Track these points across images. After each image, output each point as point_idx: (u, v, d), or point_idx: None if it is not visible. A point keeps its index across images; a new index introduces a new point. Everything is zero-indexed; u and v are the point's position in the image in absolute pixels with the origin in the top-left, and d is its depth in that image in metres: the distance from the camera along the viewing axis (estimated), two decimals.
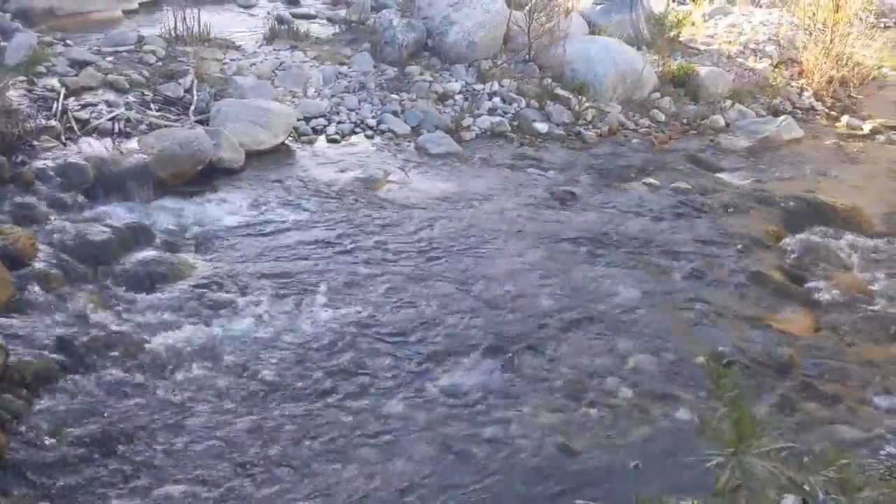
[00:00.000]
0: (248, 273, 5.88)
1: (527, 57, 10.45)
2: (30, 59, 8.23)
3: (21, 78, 7.90)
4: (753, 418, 1.79)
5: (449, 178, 7.84)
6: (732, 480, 1.78)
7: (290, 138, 8.34)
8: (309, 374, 4.86)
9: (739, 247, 6.80)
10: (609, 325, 5.57)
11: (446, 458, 4.28)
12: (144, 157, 7.00)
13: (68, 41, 9.42)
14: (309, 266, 6.06)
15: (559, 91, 9.94)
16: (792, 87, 11.57)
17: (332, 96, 9.28)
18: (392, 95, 9.42)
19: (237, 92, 8.69)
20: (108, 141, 7.26)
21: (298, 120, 8.60)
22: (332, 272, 5.99)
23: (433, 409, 4.65)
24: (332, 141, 8.53)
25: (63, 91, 7.83)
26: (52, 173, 6.53)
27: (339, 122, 8.82)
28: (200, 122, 8.04)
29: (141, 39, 9.85)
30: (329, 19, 12.38)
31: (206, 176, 7.27)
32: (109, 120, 7.53)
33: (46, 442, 4.13)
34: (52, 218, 6.12)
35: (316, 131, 8.66)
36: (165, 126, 7.66)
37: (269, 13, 12.20)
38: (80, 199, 6.49)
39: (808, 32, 12.14)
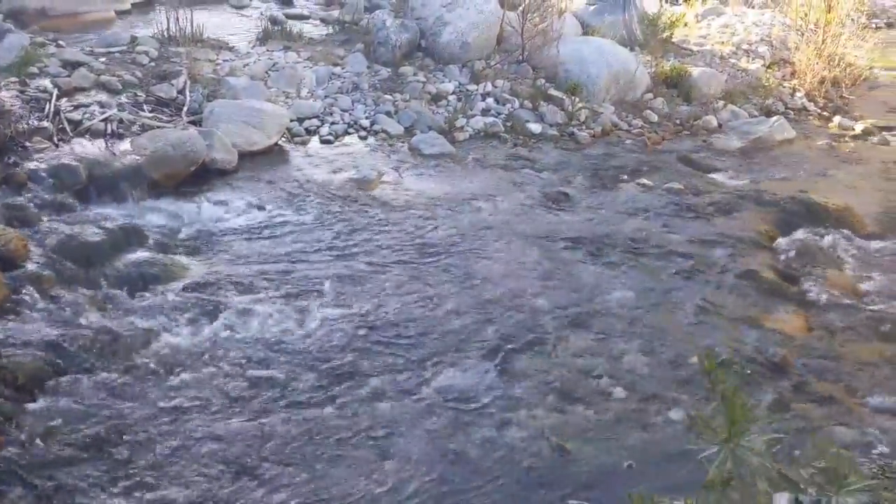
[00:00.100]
0: (241, 274, 5.87)
1: (520, 57, 10.46)
2: (22, 59, 8.21)
3: (13, 79, 7.89)
4: (746, 405, 1.79)
5: (442, 179, 7.85)
6: (724, 469, 1.78)
7: (284, 139, 8.34)
8: (303, 376, 4.86)
9: (732, 247, 6.82)
10: (603, 326, 5.58)
11: (441, 458, 4.28)
12: (137, 158, 6.98)
13: (61, 42, 9.40)
14: (302, 267, 6.05)
15: (552, 92, 9.95)
16: (784, 87, 11.62)
17: (326, 97, 9.28)
18: (385, 96, 9.42)
19: (230, 93, 8.69)
20: (100, 142, 7.24)
21: (292, 121, 8.60)
22: (326, 273, 5.98)
23: (428, 409, 4.65)
24: (325, 142, 8.53)
25: (55, 92, 7.81)
26: (44, 174, 6.51)
27: (333, 123, 8.82)
28: (193, 122, 8.03)
29: (134, 40, 9.84)
30: (322, 20, 12.39)
31: (199, 177, 7.25)
32: (102, 121, 7.51)
33: (39, 444, 4.12)
34: (45, 219, 6.10)
35: (309, 132, 8.66)
36: (158, 127, 7.65)
37: (262, 14, 12.21)
38: (73, 200, 6.46)
39: (800, 33, 12.19)
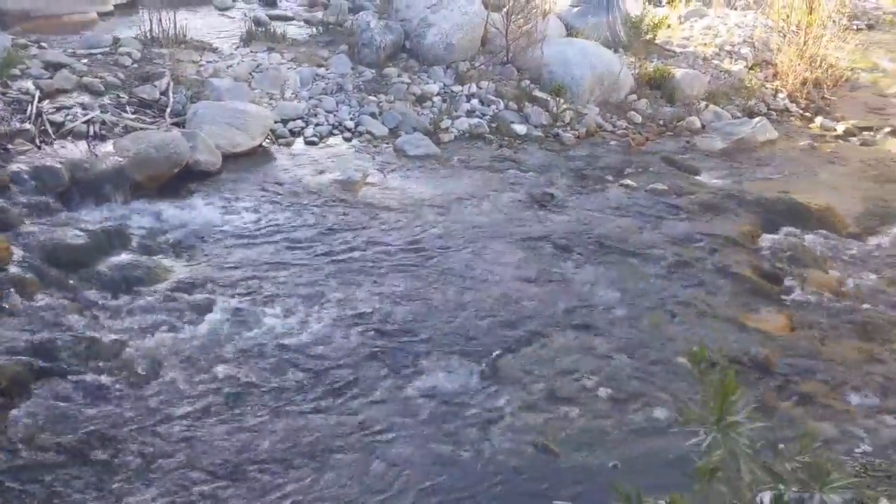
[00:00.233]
0: (225, 277, 5.85)
1: (505, 59, 10.49)
2: (4, 61, 8.13)
3: None
4: (735, 383, 1.81)
5: (427, 180, 7.85)
6: (713, 455, 1.79)
7: (268, 140, 8.31)
8: (287, 378, 4.85)
9: (716, 247, 6.86)
10: (588, 326, 5.60)
11: (426, 460, 4.28)
12: (120, 159, 6.94)
13: (43, 43, 9.33)
14: (287, 269, 6.04)
15: (537, 93, 9.98)
16: (766, 88, 11.70)
17: (310, 98, 9.26)
18: (370, 97, 9.41)
19: (214, 94, 8.65)
20: (83, 144, 7.19)
21: (276, 122, 8.57)
22: (310, 275, 5.97)
23: (412, 411, 4.65)
24: (309, 143, 8.51)
25: (37, 94, 7.75)
26: (26, 177, 6.45)
27: (317, 124, 8.80)
28: (176, 124, 7.99)
29: (116, 42, 9.78)
30: (306, 21, 12.36)
31: (182, 179, 7.22)
32: (84, 123, 7.46)
33: (21, 447, 4.09)
34: (27, 222, 6.06)
35: (293, 133, 8.64)
36: (141, 129, 7.61)
37: (245, 15, 12.16)
38: (56, 202, 6.42)
39: (782, 35, 12.28)
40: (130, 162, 6.95)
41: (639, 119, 10.12)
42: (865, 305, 6.14)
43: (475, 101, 9.66)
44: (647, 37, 12.55)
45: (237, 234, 6.50)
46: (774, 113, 11.03)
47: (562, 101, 9.84)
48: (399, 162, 8.23)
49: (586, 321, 5.66)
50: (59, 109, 7.68)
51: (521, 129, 9.32)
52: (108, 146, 7.17)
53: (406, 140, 8.63)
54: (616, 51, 11.41)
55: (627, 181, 8.18)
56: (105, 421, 4.37)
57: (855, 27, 14.44)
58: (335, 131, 8.79)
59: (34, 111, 7.43)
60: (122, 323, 5.20)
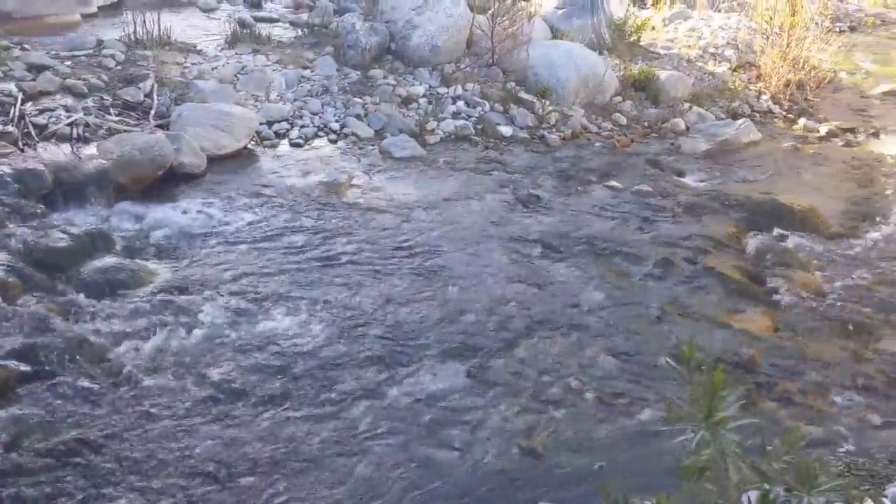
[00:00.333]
0: (210, 279, 5.83)
1: (490, 61, 10.50)
2: None
3: None
4: (724, 380, 1.82)
5: (413, 182, 7.85)
6: (702, 452, 1.80)
7: (253, 142, 8.29)
8: (272, 381, 4.83)
9: (700, 248, 6.89)
10: (573, 328, 5.61)
11: (411, 463, 4.28)
12: (104, 162, 6.91)
13: (26, 45, 9.27)
14: (272, 272, 6.02)
15: (523, 95, 10.00)
16: (750, 90, 11.77)
17: (295, 100, 9.25)
18: (355, 99, 9.41)
19: (198, 96, 8.62)
20: (66, 146, 7.14)
21: (261, 124, 8.55)
22: (296, 278, 5.96)
23: (398, 413, 4.64)
24: (294, 145, 8.49)
25: (20, 96, 7.69)
26: (9, 179, 6.40)
27: (302, 126, 8.78)
28: (161, 126, 7.95)
29: (100, 43, 9.73)
30: (291, 23, 12.34)
31: (167, 181, 7.19)
32: (68, 125, 7.42)
33: (5, 452, 4.06)
34: (10, 225, 6.01)
35: (279, 135, 8.62)
36: (125, 131, 7.57)
37: (230, 17, 12.12)
38: (39, 205, 6.37)
39: (765, 36, 12.35)
40: (114, 164, 6.91)
41: (624, 121, 10.16)
42: (848, 305, 6.19)
43: (461, 103, 9.67)
44: (632, 39, 12.61)
45: (222, 236, 6.48)
46: (758, 114, 11.09)
47: (547, 102, 9.87)
48: (385, 164, 8.23)
49: (572, 322, 5.67)
50: (42, 111, 7.63)
51: (506, 130, 9.33)
52: (91, 148, 7.13)
53: (392, 142, 8.62)
54: (601, 53, 11.45)
55: (613, 182, 8.21)
56: (90, 425, 4.34)
57: (837, 29, 14.55)
58: (320, 133, 8.78)
59: (17, 113, 7.37)
60: (107, 326, 5.17)
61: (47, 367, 4.69)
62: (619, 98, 10.60)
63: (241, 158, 8.00)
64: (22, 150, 6.92)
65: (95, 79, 8.63)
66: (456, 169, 8.30)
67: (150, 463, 4.13)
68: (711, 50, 12.95)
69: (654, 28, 13.64)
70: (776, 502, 1.80)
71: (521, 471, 4.27)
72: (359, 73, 10.02)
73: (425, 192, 7.61)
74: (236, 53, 10.37)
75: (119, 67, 9.13)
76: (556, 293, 6.05)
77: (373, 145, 8.63)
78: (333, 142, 8.67)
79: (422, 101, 9.64)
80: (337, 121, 8.97)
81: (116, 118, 7.92)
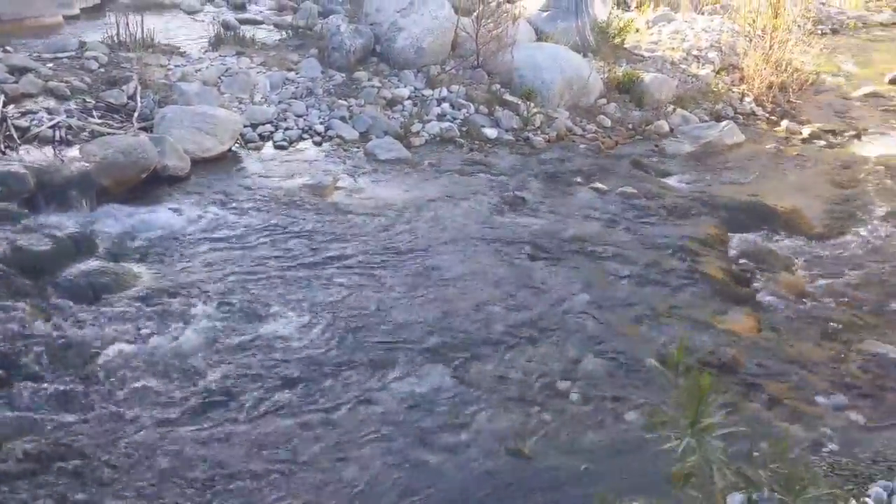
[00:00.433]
0: (194, 282, 5.80)
1: (475, 63, 10.51)
2: None
3: None
4: (710, 385, 1.82)
5: (398, 184, 7.84)
6: (688, 459, 1.80)
7: (237, 145, 8.27)
8: (257, 385, 4.81)
9: (685, 249, 6.91)
10: (559, 329, 5.62)
11: (398, 465, 4.27)
12: (86, 165, 6.87)
13: (7, 48, 9.21)
14: (255, 275, 6.00)
15: (508, 97, 10.01)
16: (733, 92, 11.83)
17: (280, 102, 9.23)
18: (340, 101, 9.39)
19: (182, 98, 8.58)
20: (49, 149, 7.11)
21: (245, 126, 8.52)
22: (280, 281, 5.94)
23: (385, 416, 4.63)
24: (279, 147, 8.47)
25: (2, 98, 7.65)
26: None
27: (287, 129, 8.76)
28: (144, 129, 7.92)
29: (83, 45, 9.68)
30: (276, 25, 12.31)
31: (150, 184, 7.16)
32: (50, 127, 7.37)
33: None
34: None
35: (263, 138, 8.59)
36: (108, 133, 7.53)
37: (214, 19, 12.07)
38: (21, 208, 6.33)
39: (748, 39, 12.42)
40: (97, 167, 6.87)
41: (608, 123, 10.19)
42: (831, 306, 6.23)
43: (446, 105, 9.67)
44: (616, 41, 12.65)
45: (206, 239, 6.45)
46: (741, 116, 11.15)
47: (532, 104, 9.88)
48: (370, 166, 8.22)
49: (558, 324, 5.68)
50: (24, 114, 7.59)
51: (491, 132, 9.34)
52: (74, 151, 7.10)
53: (377, 144, 8.61)
54: (585, 55, 11.48)
55: (597, 184, 8.23)
56: (71, 429, 4.31)
57: (819, 32, 14.65)
58: (305, 135, 8.76)
59: None
60: (89, 330, 5.13)
61: (28, 371, 4.65)
62: (603, 100, 10.63)
63: (226, 161, 7.97)
64: (4, 153, 6.89)
65: (78, 81, 8.58)
66: (441, 171, 8.30)
67: (133, 468, 4.10)
68: (695, 52, 13.01)
69: (637, 30, 13.69)
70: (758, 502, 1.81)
71: (509, 474, 4.27)
72: (343, 75, 10.01)
73: (410, 195, 7.60)
74: (220, 55, 10.34)
75: (102, 70, 9.09)
76: (542, 295, 6.05)
77: (357, 147, 8.62)
78: (318, 144, 8.65)
79: (407, 103, 9.64)
80: (321, 123, 8.95)
81: (99, 120, 7.88)
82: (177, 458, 4.20)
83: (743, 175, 9.04)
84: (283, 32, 11.69)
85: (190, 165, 7.53)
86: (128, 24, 9.95)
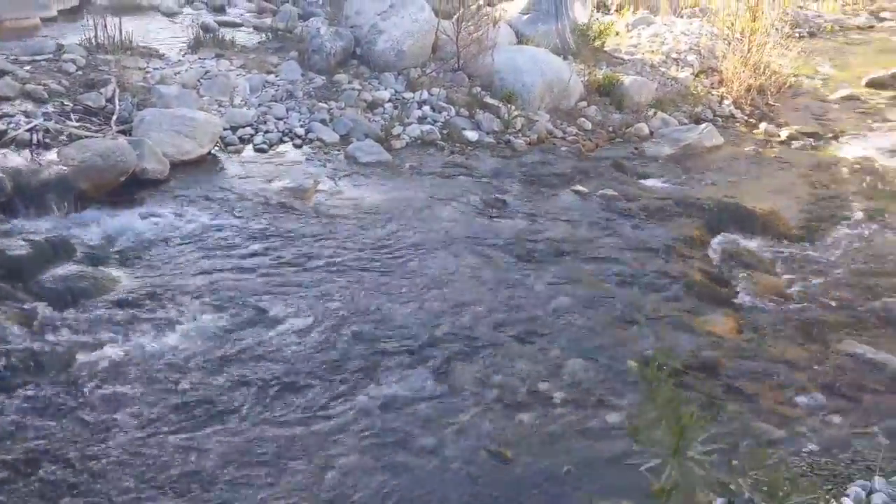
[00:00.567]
0: (174, 286, 5.76)
1: (456, 66, 10.53)
2: None
3: None
4: (693, 419, 1.82)
5: (379, 187, 7.83)
6: (670, 481, 1.80)
7: (217, 148, 8.23)
8: (238, 389, 4.78)
9: (665, 251, 6.95)
10: (541, 332, 5.62)
11: (379, 469, 4.26)
12: (64, 168, 6.81)
13: None
14: (236, 278, 5.96)
15: (488, 100, 10.03)
16: (712, 95, 11.91)
17: (260, 105, 9.19)
18: (320, 104, 9.37)
19: (161, 101, 8.53)
20: (26, 152, 7.05)
21: (225, 129, 8.48)
22: (260, 284, 5.91)
23: (366, 420, 4.62)
24: (259, 150, 8.44)
25: None
26: None
27: (267, 132, 8.73)
28: (123, 132, 7.86)
29: (60, 48, 9.60)
30: (255, 27, 12.28)
31: (129, 187, 7.11)
32: (27, 131, 7.31)
33: None
34: None
35: (243, 140, 8.55)
36: (86, 136, 7.47)
37: (193, 21, 12.01)
38: None
39: (727, 42, 12.52)
40: (75, 170, 6.81)
41: (589, 125, 10.23)
42: (810, 307, 6.27)
43: (427, 108, 9.67)
44: (596, 44, 12.71)
45: (185, 243, 6.41)
46: (720, 119, 11.23)
47: (513, 107, 9.90)
48: (350, 169, 8.20)
49: (539, 326, 5.69)
50: (1, 117, 7.52)
51: (472, 135, 9.35)
52: (52, 154, 7.03)
53: (357, 147, 8.59)
54: (565, 58, 11.53)
55: (578, 187, 8.25)
56: (49, 436, 4.26)
57: (797, 35, 14.79)
58: (285, 138, 8.73)
59: None
60: (68, 335, 5.08)
61: (5, 378, 4.60)
62: (583, 103, 10.67)
63: (206, 164, 7.93)
64: None
65: (56, 84, 8.51)
66: (422, 174, 8.30)
67: (112, 474, 4.06)
68: (674, 55, 13.09)
69: (617, 33, 13.76)
70: None
71: (489, 475, 4.26)
72: (324, 77, 9.98)
73: (391, 198, 7.60)
74: (199, 58, 10.29)
75: (80, 72, 9.01)
76: (522, 297, 6.06)
77: (338, 150, 8.61)
78: (298, 147, 8.63)
79: (387, 105, 9.64)
80: (302, 126, 8.92)
81: (77, 124, 7.81)
82: (155, 463, 4.16)
83: (722, 177, 9.11)
84: (263, 35, 11.65)
85: (169, 169, 7.48)
86: (106, 26, 9.88)
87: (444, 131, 9.34)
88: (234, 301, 5.65)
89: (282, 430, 4.49)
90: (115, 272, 5.90)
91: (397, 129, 9.16)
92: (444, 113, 9.65)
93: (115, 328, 5.21)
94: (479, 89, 10.21)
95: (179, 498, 3.97)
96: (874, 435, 4.71)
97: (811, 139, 10.67)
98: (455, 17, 10.74)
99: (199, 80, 9.47)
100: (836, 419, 4.88)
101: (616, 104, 10.80)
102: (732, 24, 12.44)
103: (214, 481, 4.09)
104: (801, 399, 5.08)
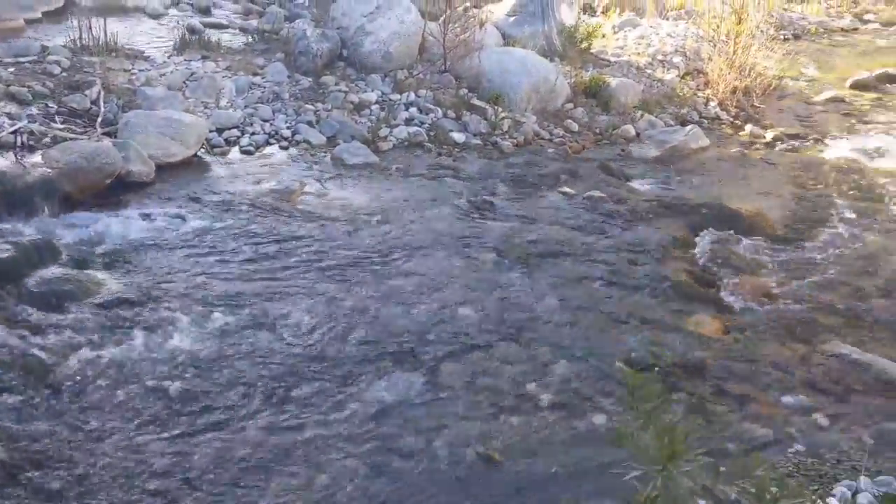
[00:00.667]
0: (160, 289, 5.73)
1: (443, 67, 10.52)
2: None
3: None
4: (684, 434, 1.81)
5: (366, 189, 7.82)
6: (655, 493, 1.81)
7: (203, 150, 8.19)
8: (224, 392, 4.76)
9: (651, 253, 6.97)
10: (528, 333, 5.62)
11: (367, 472, 4.25)
12: (49, 170, 6.76)
13: None
14: (222, 281, 5.94)
15: (475, 101, 10.03)
16: (698, 97, 11.96)
17: (246, 107, 9.16)
18: (307, 106, 9.35)
19: (146, 103, 8.49)
20: (10, 155, 6.98)
21: (211, 131, 8.45)
22: (246, 287, 5.89)
23: (353, 423, 4.61)
24: (245, 152, 8.41)
25: None
26: None
27: (253, 133, 8.70)
28: (108, 134, 7.82)
29: (45, 49, 9.54)
30: (241, 29, 12.22)
31: (115, 190, 7.07)
32: (12, 133, 7.24)
33: None
34: None
35: (229, 143, 8.52)
36: (71, 139, 7.42)
37: (178, 23, 11.95)
38: None
39: (712, 44, 12.58)
40: (60, 173, 6.77)
41: (575, 127, 10.24)
42: (796, 307, 6.30)
43: (413, 110, 9.66)
44: (583, 46, 12.74)
45: (171, 245, 6.38)
46: (706, 121, 11.28)
47: (500, 109, 9.91)
48: (337, 171, 8.18)
49: (526, 328, 5.69)
50: None
51: (459, 137, 9.35)
52: (36, 157, 6.98)
53: (344, 148, 8.58)
54: (552, 60, 11.55)
55: (565, 188, 8.27)
56: (34, 440, 4.23)
57: (782, 37, 14.86)
58: (272, 140, 8.70)
59: None
60: (53, 338, 5.04)
61: None
62: (570, 105, 10.69)
63: (191, 166, 7.89)
64: None
65: (40, 86, 8.45)
66: (409, 176, 8.29)
67: (96, 478, 4.03)
68: (660, 57, 13.14)
69: (604, 35, 13.80)
70: None
71: (477, 477, 4.26)
72: (310, 79, 9.96)
73: (378, 199, 7.59)
74: (185, 60, 10.25)
75: (64, 74, 8.96)
76: (510, 299, 6.06)
77: (325, 152, 8.59)
78: (285, 149, 8.60)
79: (374, 107, 9.62)
80: (288, 128, 8.90)
81: (62, 126, 7.76)
82: (141, 467, 4.13)
83: (708, 178, 9.15)
84: (249, 36, 11.61)
85: (155, 171, 7.45)
86: (90, 27, 9.82)
87: (431, 133, 9.34)
88: (219, 304, 5.63)
89: (270, 433, 4.47)
90: (100, 275, 5.86)
91: (384, 131, 9.15)
92: (431, 115, 9.64)
93: (100, 331, 5.18)
94: (466, 91, 10.22)
95: (166, 500, 3.94)
96: (859, 435, 4.74)
97: (796, 141, 10.73)
98: (442, 18, 10.74)
99: (184, 82, 9.42)
100: (822, 420, 4.91)
101: (603, 106, 10.82)
102: (718, 27, 12.50)
103: (201, 485, 4.06)
104: (787, 399, 5.11)
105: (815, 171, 9.63)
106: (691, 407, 4.88)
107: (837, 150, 10.43)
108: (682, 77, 12.54)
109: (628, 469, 1.81)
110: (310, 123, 9.01)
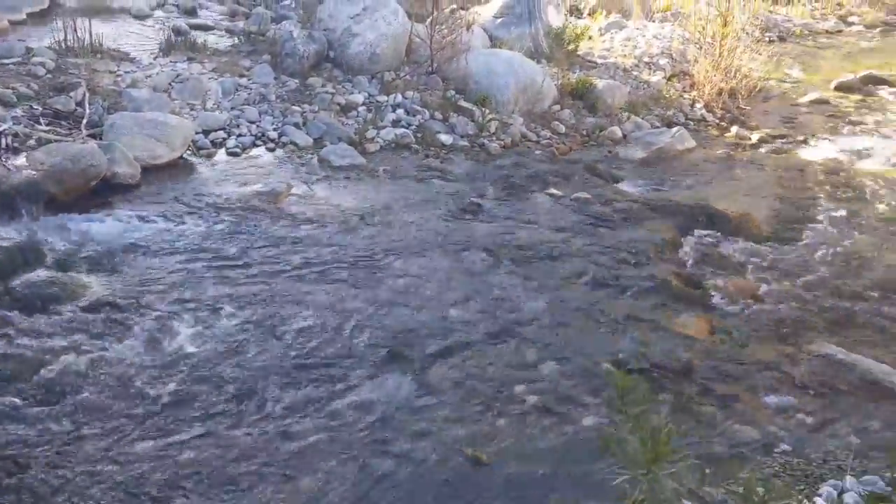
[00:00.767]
0: (145, 292, 5.70)
1: (430, 69, 10.52)
2: None
3: None
4: (669, 439, 1.82)
5: (353, 191, 7.81)
6: (641, 497, 1.81)
7: (189, 152, 8.15)
8: (209, 396, 4.74)
9: (638, 254, 6.99)
10: (516, 335, 5.62)
11: (353, 474, 4.23)
12: (34, 173, 6.72)
13: None
14: (208, 284, 5.91)
15: (462, 103, 10.03)
16: (684, 98, 12.00)
17: (232, 109, 9.13)
18: (294, 107, 9.32)
19: (132, 105, 8.45)
20: None
21: (197, 133, 8.41)
22: (233, 290, 5.86)
23: (340, 425, 4.59)
24: (232, 154, 8.38)
25: None
26: None
27: (240, 135, 8.67)
28: (93, 136, 7.77)
29: (29, 51, 9.48)
30: (227, 30, 12.18)
31: (100, 192, 7.03)
32: None
33: None
34: None
35: (215, 144, 8.49)
36: (56, 140, 7.37)
37: (164, 24, 11.90)
38: None
39: (698, 46, 12.63)
40: (45, 175, 6.73)
41: (562, 129, 10.26)
42: (782, 308, 6.33)
43: (400, 111, 9.65)
44: (569, 48, 12.77)
45: (157, 248, 6.35)
46: (692, 123, 11.32)
47: (487, 111, 9.92)
48: (324, 172, 8.17)
49: (514, 330, 5.69)
50: None
51: (446, 138, 9.35)
52: (20, 159, 6.95)
53: (331, 150, 8.56)
54: (539, 61, 11.56)
55: (553, 190, 8.28)
56: (17, 444, 4.20)
57: (767, 39, 14.94)
58: (258, 142, 8.67)
59: None
60: (37, 341, 5.01)
61: None
62: (557, 107, 10.71)
63: (177, 168, 7.86)
64: None
65: (24, 87, 8.40)
66: (396, 177, 8.29)
67: (82, 482, 4.01)
68: (646, 59, 13.19)
69: (590, 37, 13.83)
70: None
71: (465, 479, 4.26)
72: (297, 81, 9.94)
73: (365, 201, 7.58)
74: (171, 61, 10.21)
75: (49, 76, 8.91)
76: (498, 301, 6.06)
77: (311, 154, 8.57)
78: (271, 150, 8.57)
79: (361, 109, 9.61)
80: (275, 129, 8.87)
81: (47, 128, 7.71)
82: (127, 470, 4.11)
83: (694, 180, 9.18)
84: (235, 38, 11.58)
85: (140, 173, 7.41)
86: (76, 29, 9.77)
87: (419, 135, 9.34)
88: (204, 306, 5.60)
89: (255, 435, 4.46)
90: (85, 278, 5.83)
91: (371, 133, 9.14)
92: (419, 116, 9.64)
93: (85, 334, 5.15)
94: (453, 93, 10.22)
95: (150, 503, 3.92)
96: (845, 435, 4.77)
97: (781, 142, 10.79)
98: (428, 20, 10.74)
99: (170, 84, 9.38)
100: (808, 419, 4.93)
101: (589, 108, 10.85)
102: (704, 29, 12.54)
103: (185, 487, 4.04)
104: (773, 400, 5.12)
105: (801, 172, 9.68)
106: (677, 407, 4.89)
107: (822, 151, 10.49)
108: (669, 79, 12.58)
109: (615, 473, 1.81)
110: (296, 125, 8.99)
